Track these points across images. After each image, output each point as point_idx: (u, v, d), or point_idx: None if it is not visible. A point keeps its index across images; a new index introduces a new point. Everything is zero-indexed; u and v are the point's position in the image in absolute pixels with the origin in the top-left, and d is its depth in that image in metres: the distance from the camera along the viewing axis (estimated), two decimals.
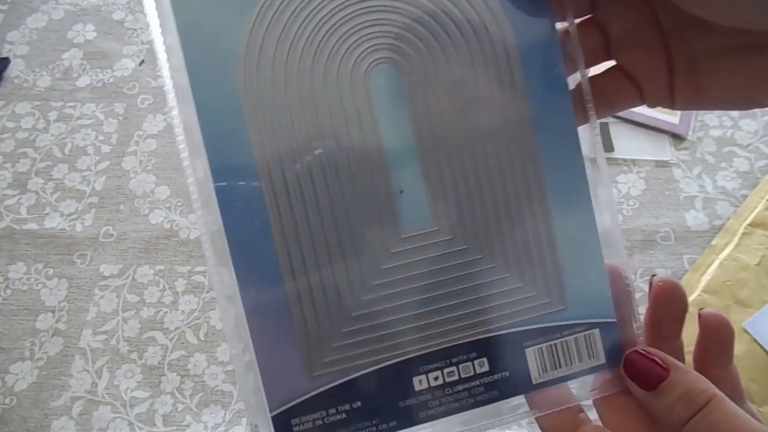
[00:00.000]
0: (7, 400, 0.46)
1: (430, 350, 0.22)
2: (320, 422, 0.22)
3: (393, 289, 0.22)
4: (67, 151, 0.57)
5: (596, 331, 0.23)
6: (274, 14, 0.21)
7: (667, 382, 0.21)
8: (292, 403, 0.22)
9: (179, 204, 0.54)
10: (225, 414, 0.45)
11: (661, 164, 0.54)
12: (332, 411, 0.22)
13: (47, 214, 0.54)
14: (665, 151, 0.54)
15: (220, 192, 0.21)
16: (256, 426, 0.21)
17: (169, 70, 0.21)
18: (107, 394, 0.46)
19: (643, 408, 0.22)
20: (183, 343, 0.47)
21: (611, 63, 0.24)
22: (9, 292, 0.50)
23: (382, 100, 0.22)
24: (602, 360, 0.23)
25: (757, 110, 0.56)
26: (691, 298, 0.46)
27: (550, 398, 0.23)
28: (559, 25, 0.22)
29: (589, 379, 0.23)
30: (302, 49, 0.21)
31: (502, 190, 0.22)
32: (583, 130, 0.23)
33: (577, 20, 0.23)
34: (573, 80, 0.23)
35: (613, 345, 0.23)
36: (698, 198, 0.52)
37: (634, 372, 0.22)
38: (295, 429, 0.22)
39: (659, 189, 0.53)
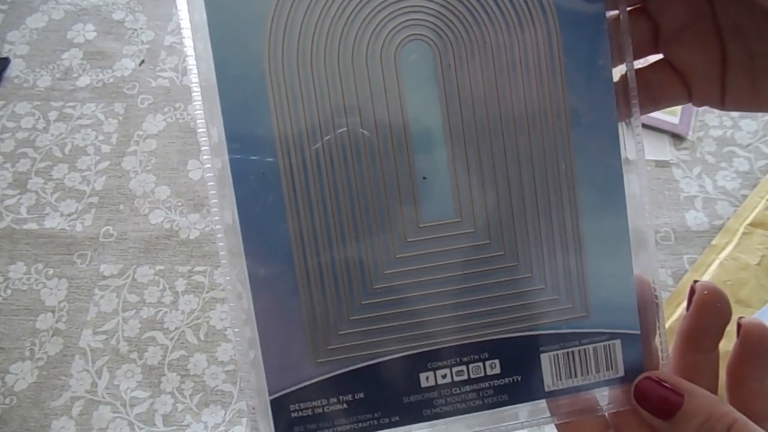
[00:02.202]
0: (7, 400, 0.46)
1: (441, 346, 0.21)
2: (320, 410, 0.21)
3: (406, 280, 0.21)
4: (67, 151, 0.57)
5: (617, 342, 0.22)
6: None
7: (683, 410, 0.20)
8: (293, 389, 0.21)
9: (179, 204, 0.54)
10: (225, 414, 0.45)
11: (661, 164, 0.54)
12: (333, 400, 0.21)
13: (47, 214, 0.54)
14: (665, 151, 0.54)
15: (234, 164, 0.20)
16: (254, 408, 0.21)
17: (191, 31, 0.19)
18: (107, 394, 0.46)
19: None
20: (183, 343, 0.47)
21: (657, 57, 0.23)
22: (9, 292, 0.50)
23: (411, 79, 0.20)
24: (621, 373, 0.22)
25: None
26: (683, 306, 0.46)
27: (574, 405, 0.22)
28: (609, 12, 0.21)
29: (614, 390, 0.22)
30: (332, 20, 0.20)
31: (530, 185, 0.21)
32: (621, 127, 0.21)
33: (629, 8, 0.21)
34: (618, 72, 0.21)
35: (633, 358, 0.22)
36: (698, 198, 0.52)
37: (647, 401, 0.21)
38: (293, 415, 0.21)
39: (659, 189, 0.53)
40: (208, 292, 0.49)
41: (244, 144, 0.20)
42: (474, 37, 0.20)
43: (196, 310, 0.49)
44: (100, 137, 0.57)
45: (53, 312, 0.49)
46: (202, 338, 0.48)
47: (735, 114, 0.56)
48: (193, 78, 0.20)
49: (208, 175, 0.20)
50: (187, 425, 0.44)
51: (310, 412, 0.21)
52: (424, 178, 0.21)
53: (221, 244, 0.20)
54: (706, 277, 0.47)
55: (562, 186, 0.21)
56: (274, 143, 0.20)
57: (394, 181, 0.21)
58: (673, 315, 0.45)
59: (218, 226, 0.20)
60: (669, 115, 0.55)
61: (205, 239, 0.52)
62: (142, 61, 0.62)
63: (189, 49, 0.20)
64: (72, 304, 0.49)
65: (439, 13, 0.20)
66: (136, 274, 0.50)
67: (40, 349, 0.48)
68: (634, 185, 0.22)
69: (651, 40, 0.22)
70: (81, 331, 0.48)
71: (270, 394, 0.21)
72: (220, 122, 0.20)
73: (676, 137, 0.55)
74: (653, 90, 0.22)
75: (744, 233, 0.49)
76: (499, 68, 0.21)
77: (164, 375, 0.46)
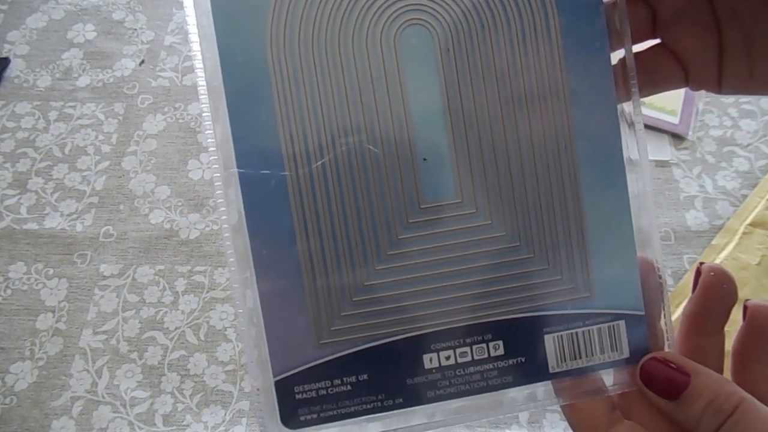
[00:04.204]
0: (7, 400, 0.46)
1: (444, 328, 0.21)
2: (324, 392, 0.21)
3: (408, 261, 0.21)
4: (67, 151, 0.57)
5: (622, 323, 0.22)
6: None
7: (690, 390, 0.20)
8: (297, 370, 0.21)
9: (179, 204, 0.54)
10: (225, 414, 0.45)
11: (661, 164, 0.54)
12: (337, 382, 0.21)
13: (47, 214, 0.54)
14: (665, 151, 0.54)
15: (238, 151, 0.20)
16: (258, 390, 0.21)
17: (195, 18, 0.20)
18: (107, 393, 0.46)
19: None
20: (183, 343, 0.47)
21: (655, 42, 0.23)
22: (9, 292, 0.50)
23: (411, 63, 0.20)
24: (626, 354, 0.22)
25: (756, 110, 0.56)
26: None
27: (580, 387, 0.22)
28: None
29: (619, 371, 0.22)
30: (333, 7, 0.20)
31: (531, 165, 0.21)
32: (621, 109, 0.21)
33: None
34: (616, 56, 0.21)
35: (638, 339, 0.22)
36: (698, 198, 0.52)
37: (653, 382, 0.21)
38: (297, 396, 0.21)
39: (659, 189, 0.53)
40: (208, 292, 0.49)
41: (247, 129, 0.20)
42: (472, 22, 0.21)
43: (196, 310, 0.49)
44: (100, 137, 0.57)
45: (53, 312, 0.49)
46: (202, 338, 0.48)
47: (735, 114, 0.56)
48: (197, 63, 0.20)
49: (212, 151, 0.20)
50: (187, 425, 0.44)
51: (314, 393, 0.21)
52: (425, 159, 0.21)
53: (225, 226, 0.20)
54: None
55: (563, 166, 0.21)
56: (276, 127, 0.20)
57: (394, 162, 0.21)
58: (674, 314, 0.45)
59: (222, 209, 0.20)
60: (669, 115, 0.55)
61: (205, 239, 0.52)
62: (142, 61, 0.62)
63: (193, 34, 0.20)
64: (72, 304, 0.49)
65: None
66: (136, 274, 0.50)
67: (40, 349, 0.48)
68: (635, 166, 0.22)
69: (648, 25, 0.22)
70: (81, 331, 0.48)
71: (274, 376, 0.21)
72: (224, 108, 0.20)
73: (676, 137, 0.55)
74: (651, 73, 0.22)
75: (744, 233, 0.49)
76: (497, 51, 0.21)
77: (164, 375, 0.46)
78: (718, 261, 0.48)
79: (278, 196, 0.20)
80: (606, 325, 0.22)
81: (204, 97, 0.20)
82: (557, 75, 0.21)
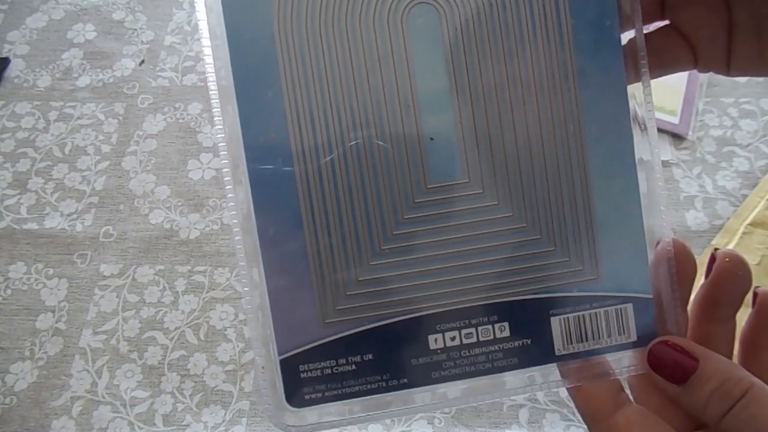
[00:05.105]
0: (7, 400, 0.46)
1: (449, 308, 0.21)
2: (329, 371, 0.21)
3: (414, 241, 0.21)
4: (67, 151, 0.57)
5: (629, 306, 0.21)
6: None
7: (698, 374, 0.19)
8: (302, 349, 0.21)
9: (179, 204, 0.54)
10: (225, 414, 0.45)
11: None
12: (342, 361, 0.21)
13: (47, 214, 0.54)
14: (665, 150, 0.54)
15: (243, 118, 0.20)
16: (263, 368, 0.21)
17: (203, 4, 0.20)
18: (107, 393, 0.46)
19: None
20: (183, 343, 0.47)
21: (663, 23, 0.22)
22: (9, 292, 0.50)
23: (419, 42, 0.20)
24: (633, 338, 0.21)
25: (756, 110, 0.56)
26: (691, 297, 0.46)
27: (586, 370, 0.22)
28: None
29: (626, 355, 0.22)
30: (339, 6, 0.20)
31: (538, 146, 0.21)
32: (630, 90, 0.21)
33: None
34: (626, 37, 0.21)
35: (646, 323, 0.21)
36: (698, 198, 0.52)
37: (661, 365, 0.20)
38: (302, 375, 0.21)
39: None
40: (208, 292, 0.49)
41: (253, 112, 0.20)
42: (480, 1, 0.20)
43: (196, 310, 0.49)
44: (100, 137, 0.57)
45: (53, 312, 0.49)
46: (202, 338, 0.48)
47: (735, 114, 0.56)
48: (204, 39, 0.20)
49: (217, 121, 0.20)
50: (187, 425, 0.44)
51: (319, 372, 0.21)
52: (431, 139, 0.21)
53: (231, 204, 0.20)
54: None
55: (571, 147, 0.21)
56: (284, 106, 0.20)
57: (401, 141, 0.21)
58: None
59: (228, 187, 0.20)
60: (669, 115, 0.55)
61: (205, 239, 0.52)
62: (142, 61, 0.62)
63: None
64: (72, 304, 0.49)
65: None
66: (136, 274, 0.50)
67: (40, 349, 0.48)
68: (644, 147, 0.21)
69: (657, 6, 0.22)
70: (81, 331, 0.48)
71: (279, 354, 0.21)
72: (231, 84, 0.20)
73: (676, 137, 0.55)
74: (659, 55, 0.22)
75: (744, 233, 0.49)
76: (505, 30, 0.20)
77: (164, 375, 0.46)
78: None
79: (286, 178, 0.20)
80: (613, 308, 0.21)
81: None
82: (566, 55, 0.21)
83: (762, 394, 0.19)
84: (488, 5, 0.20)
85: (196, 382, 0.46)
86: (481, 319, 0.21)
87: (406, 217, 0.21)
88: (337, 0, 0.20)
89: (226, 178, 0.20)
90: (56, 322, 0.49)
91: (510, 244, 0.21)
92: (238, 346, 0.47)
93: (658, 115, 0.55)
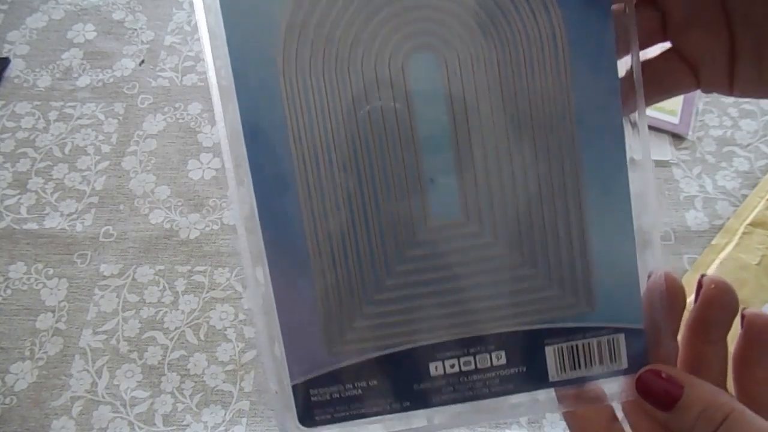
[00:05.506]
0: (7, 400, 0.46)
1: (448, 339, 0.22)
2: (337, 395, 0.22)
3: (416, 277, 0.22)
4: (67, 151, 0.57)
5: (621, 336, 0.22)
6: None
7: (683, 400, 0.20)
8: (312, 375, 0.22)
9: (179, 204, 0.54)
10: (225, 414, 0.45)
11: (661, 164, 0.54)
12: (349, 386, 0.22)
13: (47, 214, 0.54)
14: (665, 150, 0.54)
15: (252, 161, 0.21)
16: (276, 392, 0.22)
17: (205, 23, 0.21)
18: (107, 393, 0.46)
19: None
20: (183, 343, 0.47)
21: (666, 46, 0.22)
22: (9, 292, 0.50)
23: (419, 85, 0.21)
24: (624, 365, 0.22)
25: (756, 110, 0.56)
26: (690, 298, 0.46)
27: (580, 395, 0.22)
28: (615, 6, 0.21)
29: (617, 382, 0.23)
30: (343, 30, 0.21)
31: (535, 185, 0.21)
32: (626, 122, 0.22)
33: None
34: (624, 63, 0.21)
35: (637, 352, 0.22)
36: (698, 198, 0.52)
37: (649, 393, 0.21)
38: (313, 399, 0.22)
39: (659, 189, 0.53)
40: (208, 292, 0.49)
41: (258, 136, 0.21)
42: (479, 44, 0.21)
43: (196, 310, 0.49)
44: (100, 137, 0.57)
45: (53, 312, 0.49)
46: (202, 338, 0.48)
47: (735, 114, 0.56)
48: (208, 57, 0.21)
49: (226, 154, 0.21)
50: (187, 425, 0.44)
51: (328, 396, 0.22)
52: (432, 180, 0.21)
53: (240, 229, 0.21)
54: None
55: (567, 185, 0.22)
56: (288, 141, 0.21)
57: (403, 183, 0.21)
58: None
59: (236, 214, 0.21)
60: (669, 115, 0.55)
61: (205, 239, 0.52)
62: (142, 61, 0.62)
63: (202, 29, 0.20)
64: (72, 304, 0.49)
65: (444, 21, 0.21)
66: (136, 274, 0.50)
67: (40, 349, 0.48)
68: (638, 184, 0.22)
69: (659, 28, 0.22)
70: (81, 331, 0.48)
71: (291, 380, 0.22)
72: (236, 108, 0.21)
73: (676, 137, 0.55)
74: (662, 79, 0.22)
75: (744, 233, 0.49)
76: (504, 72, 0.21)
77: (164, 375, 0.46)
78: (718, 261, 0.48)
79: (293, 212, 0.21)
80: (605, 338, 0.22)
81: (217, 99, 0.21)
82: (564, 94, 0.21)
83: (741, 418, 0.19)
84: (487, 48, 0.21)
85: (196, 382, 0.46)
86: (478, 348, 0.22)
87: (408, 254, 0.22)
88: (340, 47, 0.21)
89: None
90: (56, 322, 0.49)
91: (506, 280, 0.22)
92: (238, 346, 0.47)
93: (659, 114, 0.55)
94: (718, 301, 0.21)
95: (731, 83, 0.22)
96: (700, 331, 0.22)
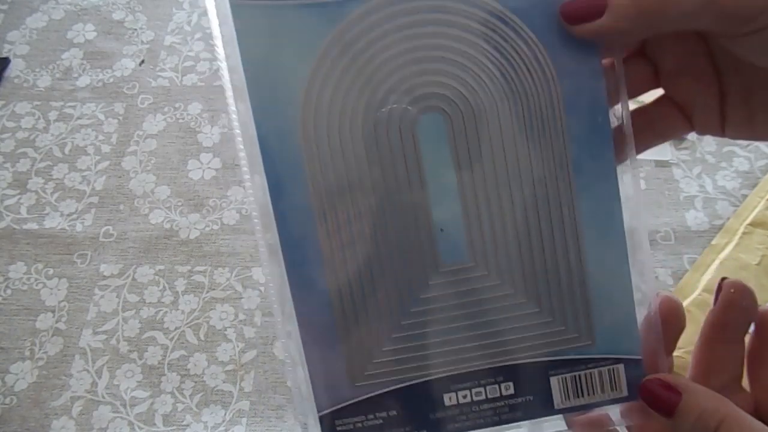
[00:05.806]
0: (7, 400, 0.46)
1: (461, 372, 0.24)
2: (360, 425, 0.24)
3: (430, 316, 0.24)
4: (67, 151, 0.57)
5: (621, 366, 0.24)
6: (334, 59, 0.22)
7: (681, 406, 0.21)
8: (337, 407, 0.24)
9: (179, 204, 0.54)
10: (225, 414, 0.45)
11: (661, 164, 0.54)
12: (371, 416, 0.24)
13: (47, 214, 0.54)
14: (665, 150, 0.54)
15: (278, 213, 0.23)
16: (305, 424, 0.24)
17: (232, 90, 0.23)
18: (107, 393, 0.46)
19: None
20: (183, 343, 0.47)
21: (659, 92, 0.24)
22: (9, 292, 0.50)
23: (428, 144, 0.23)
24: (624, 393, 0.24)
25: None
26: (691, 298, 0.46)
27: (588, 420, 0.24)
28: (606, 60, 0.23)
29: (618, 408, 0.24)
30: (357, 94, 0.23)
31: (536, 230, 0.24)
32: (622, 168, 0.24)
33: (626, 54, 0.23)
34: (616, 113, 0.23)
35: (636, 380, 0.24)
36: (698, 198, 0.52)
37: (652, 400, 0.22)
38: (338, 429, 0.24)
39: (659, 189, 0.53)
40: (208, 292, 0.49)
41: (281, 196, 0.23)
42: (482, 104, 0.23)
43: (196, 310, 0.49)
44: (100, 137, 0.57)
45: (53, 312, 0.49)
46: (202, 338, 0.48)
47: None
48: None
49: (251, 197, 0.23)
50: (187, 425, 0.44)
51: (351, 426, 0.24)
52: (442, 230, 0.24)
53: (266, 268, 0.24)
54: (707, 277, 0.47)
55: (566, 229, 0.24)
56: (309, 197, 0.23)
57: (415, 233, 0.24)
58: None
59: (262, 249, 0.23)
60: None
61: (205, 239, 0.52)
62: (142, 61, 0.62)
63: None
64: (72, 304, 0.49)
65: (450, 85, 0.23)
66: (136, 274, 0.50)
67: (40, 349, 0.48)
68: (633, 219, 0.24)
69: (651, 78, 0.24)
70: (81, 331, 0.48)
71: (318, 412, 0.24)
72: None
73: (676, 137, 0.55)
74: (657, 125, 0.24)
75: (744, 233, 0.49)
76: (506, 129, 0.23)
77: (164, 375, 0.46)
78: (718, 261, 0.48)
79: (314, 260, 0.24)
80: (606, 368, 0.24)
81: (242, 152, 0.23)
82: (560, 147, 0.23)
83: (735, 423, 0.20)
84: (489, 106, 0.23)
85: (196, 382, 0.46)
86: (488, 380, 0.24)
87: (422, 296, 0.24)
88: (354, 110, 0.23)
89: (261, 247, 0.24)
90: (56, 322, 0.49)
91: (512, 317, 0.24)
92: (238, 346, 0.47)
93: None
94: (737, 305, 0.23)
95: (723, 127, 0.23)
96: (718, 331, 0.23)
